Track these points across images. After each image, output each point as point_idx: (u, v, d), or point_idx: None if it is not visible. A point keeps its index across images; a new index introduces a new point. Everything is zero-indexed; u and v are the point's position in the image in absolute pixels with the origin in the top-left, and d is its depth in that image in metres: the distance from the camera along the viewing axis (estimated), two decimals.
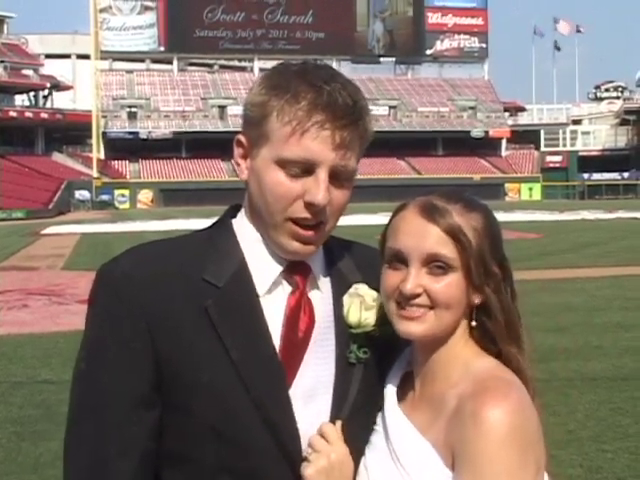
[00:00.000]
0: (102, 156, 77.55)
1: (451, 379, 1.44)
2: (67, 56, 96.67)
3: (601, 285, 15.11)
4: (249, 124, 1.44)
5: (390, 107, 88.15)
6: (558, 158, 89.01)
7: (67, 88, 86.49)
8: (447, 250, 1.40)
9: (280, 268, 1.47)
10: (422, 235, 1.41)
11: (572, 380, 7.93)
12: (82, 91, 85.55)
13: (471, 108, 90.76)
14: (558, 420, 6.36)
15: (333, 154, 1.38)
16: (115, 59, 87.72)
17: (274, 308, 1.45)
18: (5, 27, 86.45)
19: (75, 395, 1.43)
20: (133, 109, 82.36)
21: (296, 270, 1.48)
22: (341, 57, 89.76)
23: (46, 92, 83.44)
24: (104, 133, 78.66)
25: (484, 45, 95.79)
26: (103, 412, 1.38)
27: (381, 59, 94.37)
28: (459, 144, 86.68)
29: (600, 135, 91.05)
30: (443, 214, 1.41)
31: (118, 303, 1.40)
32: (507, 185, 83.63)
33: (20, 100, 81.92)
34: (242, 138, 1.46)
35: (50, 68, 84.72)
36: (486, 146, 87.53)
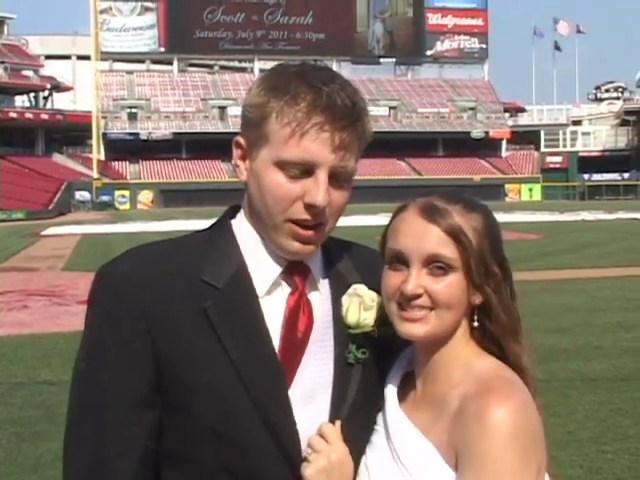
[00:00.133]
0: (102, 157, 77.59)
1: (452, 379, 1.44)
2: (67, 57, 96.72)
3: (601, 286, 15.11)
4: (248, 125, 1.44)
5: (390, 108, 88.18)
6: (558, 159, 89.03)
7: (67, 89, 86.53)
8: (448, 251, 1.40)
9: (279, 269, 1.47)
10: (423, 236, 1.41)
11: (572, 381, 7.93)
12: (82, 92, 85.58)
13: (471, 109, 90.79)
14: (558, 421, 6.36)
15: (332, 155, 1.38)
16: (115, 60, 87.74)
17: (273, 309, 1.45)
18: (5, 28, 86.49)
19: (75, 395, 1.43)
20: (133, 110, 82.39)
21: (295, 271, 1.48)
22: (341, 58, 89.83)
23: (46, 93, 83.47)
24: (104, 134, 78.69)
25: (484, 46, 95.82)
26: (103, 412, 1.38)
27: (381, 60, 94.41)
28: (459, 145, 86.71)
29: (600, 136, 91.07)
30: (444, 215, 1.41)
31: (118, 304, 1.40)
32: (507, 186, 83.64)
33: (20, 101, 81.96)
34: (241, 139, 1.46)
35: (50, 69, 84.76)
36: (486, 147, 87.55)
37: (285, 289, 1.48)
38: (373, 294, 1.50)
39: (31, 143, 79.76)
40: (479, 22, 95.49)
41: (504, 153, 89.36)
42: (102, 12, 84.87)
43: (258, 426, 1.38)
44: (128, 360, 1.39)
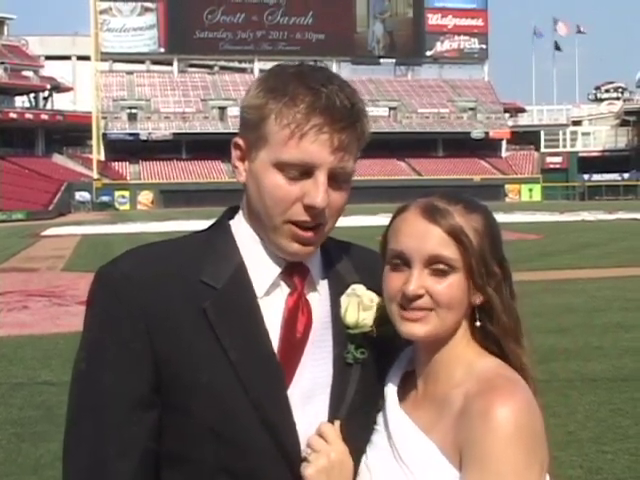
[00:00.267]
0: (102, 157, 77.58)
1: (454, 379, 1.45)
2: (67, 57, 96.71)
3: (601, 286, 15.11)
4: (247, 127, 1.44)
5: (390, 108, 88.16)
6: (558, 159, 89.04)
7: (67, 89, 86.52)
8: (449, 251, 1.41)
9: (278, 270, 1.48)
10: (424, 236, 1.42)
11: (572, 381, 7.93)
12: (82, 92, 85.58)
13: (471, 109, 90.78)
14: (558, 421, 6.36)
15: (332, 157, 1.39)
16: (115, 60, 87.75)
17: (272, 309, 1.46)
18: (5, 28, 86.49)
19: (74, 395, 1.43)
20: (133, 110, 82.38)
21: (294, 271, 1.49)
22: (341, 58, 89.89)
23: (46, 93, 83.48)
24: (104, 134, 78.69)
25: (484, 46, 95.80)
26: (103, 412, 1.38)
27: (381, 60, 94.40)
28: (459, 145, 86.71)
29: (600, 136, 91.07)
30: (444, 215, 1.42)
31: (118, 304, 1.40)
32: (507, 186, 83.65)
33: (20, 101, 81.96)
34: (240, 141, 1.47)
35: (50, 69, 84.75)
36: (486, 147, 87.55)
37: (284, 290, 1.48)
38: (372, 294, 1.50)
39: (31, 144, 79.76)
40: (479, 22, 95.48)
41: (504, 153, 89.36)
42: (102, 12, 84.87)
43: (257, 426, 1.38)
44: (128, 360, 1.39)
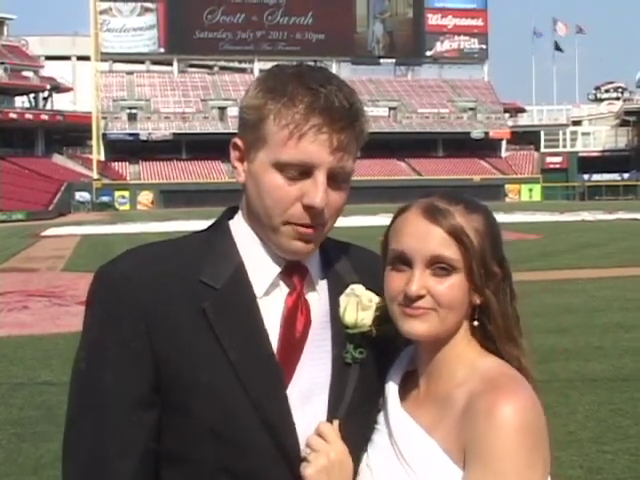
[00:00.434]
0: (102, 158, 77.58)
1: (456, 378, 1.45)
2: (67, 58, 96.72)
3: (601, 286, 15.12)
4: (246, 127, 1.45)
5: (390, 108, 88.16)
6: (558, 159, 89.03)
7: (67, 90, 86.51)
8: (450, 252, 1.41)
9: (278, 269, 1.48)
10: (425, 237, 1.42)
11: (572, 381, 7.93)
12: (82, 93, 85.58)
13: (471, 109, 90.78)
14: (558, 421, 6.35)
15: (331, 157, 1.39)
16: (115, 61, 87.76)
17: (272, 309, 1.46)
18: (5, 29, 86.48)
19: (74, 395, 1.43)
20: (133, 110, 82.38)
21: (293, 271, 1.49)
22: (341, 58, 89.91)
23: (46, 94, 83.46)
24: (104, 134, 78.69)
25: (484, 46, 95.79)
26: (103, 412, 1.38)
27: (381, 60, 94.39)
28: (459, 145, 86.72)
29: (600, 136, 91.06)
30: (445, 215, 1.42)
31: (117, 304, 1.41)
32: (507, 186, 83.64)
33: (20, 102, 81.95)
34: (239, 141, 1.47)
35: (50, 70, 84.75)
36: (486, 147, 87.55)
37: (283, 289, 1.49)
38: (371, 294, 1.51)
39: (31, 144, 79.75)
40: (479, 22, 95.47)
41: (504, 153, 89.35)
42: (102, 13, 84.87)
43: (257, 426, 1.39)
44: (128, 360, 1.39)
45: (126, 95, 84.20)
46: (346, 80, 1.48)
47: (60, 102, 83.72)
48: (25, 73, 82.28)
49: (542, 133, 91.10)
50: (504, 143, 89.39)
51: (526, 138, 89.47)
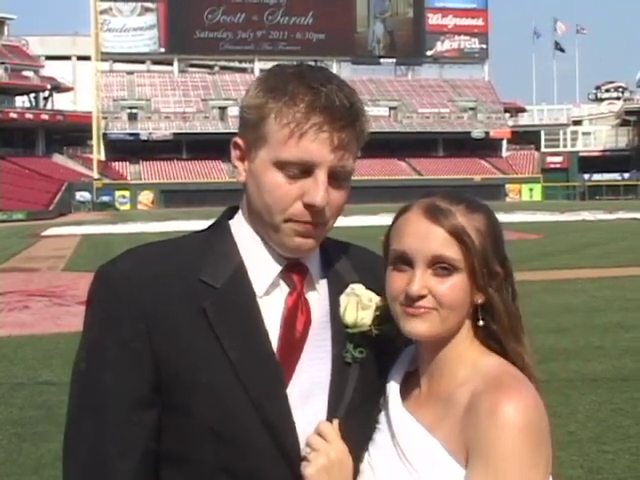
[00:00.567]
0: (103, 157, 77.59)
1: (459, 377, 1.45)
2: (67, 57, 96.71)
3: (601, 286, 15.12)
4: (246, 126, 1.45)
5: (390, 108, 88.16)
6: (558, 159, 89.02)
7: (67, 89, 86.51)
8: (452, 252, 1.41)
9: (278, 269, 1.48)
10: (426, 237, 1.42)
11: (572, 381, 7.93)
12: (82, 92, 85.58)
13: (471, 109, 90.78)
14: (559, 421, 6.35)
15: (332, 155, 1.39)
16: (115, 60, 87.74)
17: (272, 309, 1.46)
18: (5, 29, 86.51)
19: (75, 395, 1.43)
20: (134, 110, 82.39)
21: (294, 271, 1.49)
22: (341, 58, 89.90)
23: (46, 93, 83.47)
24: (104, 134, 78.70)
25: (484, 46, 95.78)
26: (103, 412, 1.39)
27: (381, 60, 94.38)
28: (459, 145, 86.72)
29: (600, 136, 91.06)
30: (447, 215, 1.42)
31: (117, 304, 1.41)
32: (508, 186, 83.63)
33: (20, 101, 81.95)
34: (239, 140, 1.47)
35: (50, 69, 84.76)
36: (486, 147, 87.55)
37: (284, 289, 1.49)
38: (371, 294, 1.51)
39: (31, 144, 79.75)
40: (479, 22, 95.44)
41: (504, 153, 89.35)
42: (102, 12, 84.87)
43: (257, 426, 1.39)
44: (128, 360, 1.39)
45: (126, 95, 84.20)
46: (346, 80, 1.48)
47: (60, 102, 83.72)
48: (25, 73, 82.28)
49: (542, 133, 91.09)
50: (504, 143, 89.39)
51: (526, 138, 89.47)
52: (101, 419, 1.38)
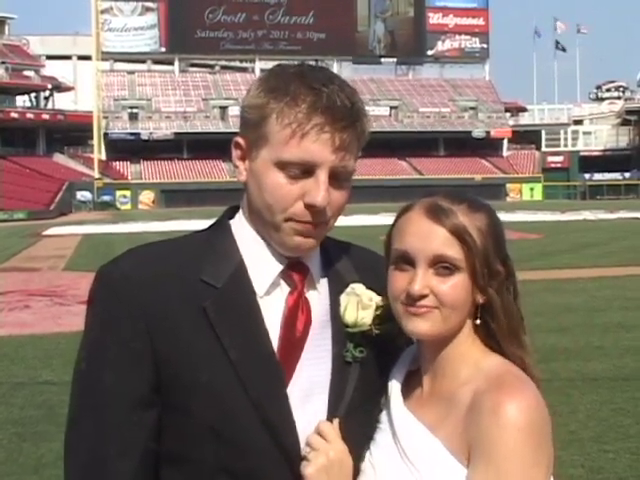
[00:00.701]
0: (103, 157, 77.63)
1: (461, 377, 1.45)
2: (68, 57, 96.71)
3: (602, 285, 15.11)
4: (247, 126, 1.45)
5: (391, 107, 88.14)
6: (559, 158, 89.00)
7: (68, 89, 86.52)
8: (453, 251, 1.41)
9: (279, 268, 1.48)
10: (428, 236, 1.43)
11: (573, 380, 7.93)
12: (83, 92, 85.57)
13: (472, 108, 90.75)
14: (559, 420, 6.35)
15: (333, 156, 1.40)
16: (116, 60, 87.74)
17: (272, 308, 1.46)
18: (6, 28, 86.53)
19: (75, 395, 1.44)
20: (134, 110, 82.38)
21: (294, 270, 1.49)
22: (342, 58, 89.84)
23: (47, 93, 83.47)
24: (105, 134, 78.70)
25: (485, 45, 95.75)
26: (103, 412, 1.39)
27: (382, 60, 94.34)
28: (460, 144, 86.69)
29: (601, 135, 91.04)
30: (448, 215, 1.43)
31: (118, 304, 1.41)
32: (508, 185, 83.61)
33: (21, 101, 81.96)
34: (240, 140, 1.47)
35: (51, 69, 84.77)
36: (487, 146, 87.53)
37: (284, 289, 1.49)
38: (371, 293, 1.51)
39: (32, 143, 79.76)
40: (480, 22, 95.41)
41: (505, 153, 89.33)
42: (103, 12, 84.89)
43: (257, 425, 1.39)
44: (128, 360, 1.39)
45: (127, 94, 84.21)
46: (347, 79, 1.48)
47: (61, 101, 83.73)
48: (26, 72, 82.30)
49: (543, 132, 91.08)
50: (505, 142, 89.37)
51: (527, 137, 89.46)
52: (101, 419, 1.39)
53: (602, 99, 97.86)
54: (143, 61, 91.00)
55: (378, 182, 74.32)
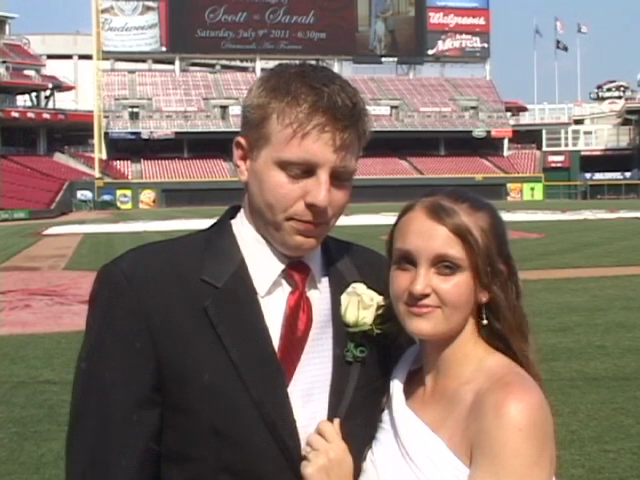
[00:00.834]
0: (104, 156, 77.67)
1: (464, 376, 1.46)
2: (69, 56, 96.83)
3: (603, 285, 15.10)
4: (249, 126, 1.45)
5: (392, 107, 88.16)
6: (560, 158, 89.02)
7: (69, 88, 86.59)
8: (455, 250, 1.41)
9: (280, 268, 1.48)
10: (430, 236, 1.42)
11: (574, 380, 7.92)
12: (84, 91, 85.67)
13: (473, 108, 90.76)
14: (560, 420, 6.35)
15: (334, 156, 1.39)
16: (117, 59, 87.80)
17: (273, 308, 1.46)
18: (7, 27, 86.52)
19: (77, 394, 1.44)
20: (135, 109, 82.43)
21: (295, 270, 1.49)
22: (343, 57, 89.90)
23: (48, 92, 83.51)
24: (106, 133, 78.75)
25: (486, 45, 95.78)
26: (105, 412, 1.39)
27: (383, 59, 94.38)
28: (461, 144, 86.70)
29: (602, 135, 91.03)
30: (450, 214, 1.43)
31: (119, 303, 1.41)
32: (509, 185, 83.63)
33: (22, 100, 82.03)
34: (241, 140, 1.47)
35: (52, 68, 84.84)
36: (488, 146, 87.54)
37: (285, 288, 1.49)
38: (372, 293, 1.51)
39: (33, 142, 79.83)
40: (481, 21, 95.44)
41: (506, 152, 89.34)
42: (104, 11, 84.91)
43: (258, 425, 1.39)
44: (129, 359, 1.39)
45: (128, 94, 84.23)
46: (348, 79, 1.48)
47: (62, 101, 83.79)
48: (27, 72, 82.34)
49: (544, 132, 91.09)
50: (506, 142, 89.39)
51: (528, 137, 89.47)
52: (102, 418, 1.39)
53: (603, 99, 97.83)
54: (144, 60, 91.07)
55: (379, 182, 74.33)
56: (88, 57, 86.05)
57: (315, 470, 1.39)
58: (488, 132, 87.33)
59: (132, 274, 1.43)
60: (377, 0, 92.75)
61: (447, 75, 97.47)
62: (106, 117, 79.81)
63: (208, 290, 1.42)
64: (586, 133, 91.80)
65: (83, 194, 73.32)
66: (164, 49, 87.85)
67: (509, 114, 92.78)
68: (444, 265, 1.42)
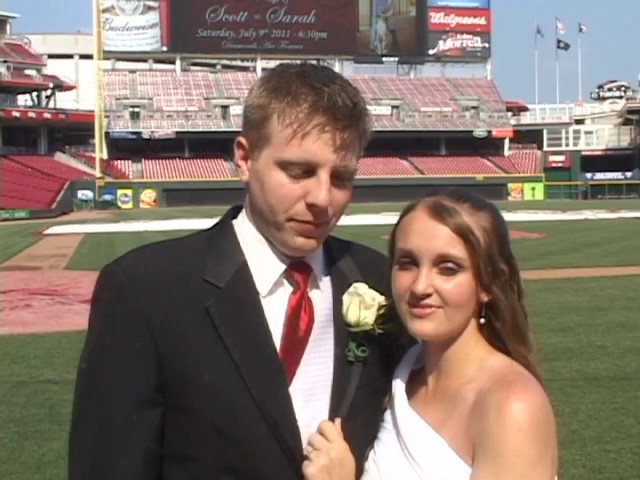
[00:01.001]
0: (105, 156, 77.69)
1: (466, 375, 1.46)
2: (70, 56, 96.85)
3: (603, 285, 15.10)
4: (249, 126, 1.45)
5: (393, 107, 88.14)
6: (561, 158, 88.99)
7: (70, 88, 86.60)
8: (457, 250, 1.41)
9: (282, 268, 1.48)
10: (432, 235, 1.43)
11: (575, 380, 7.92)
12: (85, 91, 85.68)
13: (474, 108, 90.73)
14: (561, 420, 6.29)
15: (334, 156, 1.40)
16: (118, 59, 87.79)
17: (275, 308, 1.46)
18: (8, 27, 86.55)
19: (79, 394, 1.44)
20: (136, 109, 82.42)
21: (297, 270, 1.49)
22: (343, 57, 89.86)
23: (49, 92, 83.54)
24: (107, 133, 78.75)
25: (487, 45, 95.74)
26: (106, 412, 1.39)
27: (384, 59, 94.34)
28: (462, 144, 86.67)
29: (603, 135, 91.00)
30: (452, 214, 1.43)
31: (121, 304, 1.41)
32: (510, 185, 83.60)
33: (23, 100, 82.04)
34: (242, 140, 1.47)
35: (53, 68, 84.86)
36: (489, 146, 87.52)
37: (287, 288, 1.49)
38: (374, 293, 1.51)
39: (34, 142, 79.83)
40: (482, 21, 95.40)
41: (507, 152, 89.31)
42: (105, 11, 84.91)
43: (260, 425, 1.39)
44: (131, 360, 1.39)
45: (129, 93, 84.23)
46: (348, 79, 1.48)
47: (63, 100, 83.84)
48: (28, 71, 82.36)
49: (545, 132, 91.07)
50: (507, 142, 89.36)
51: (529, 137, 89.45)
52: (104, 419, 1.39)
53: (604, 98, 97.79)
54: (145, 60, 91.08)
55: (380, 181, 74.33)
56: (89, 57, 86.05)
57: (317, 470, 1.39)
58: (489, 132, 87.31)
59: (133, 274, 1.43)
60: (378, 0, 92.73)
61: (448, 75, 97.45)
62: (107, 117, 79.82)
63: (210, 290, 1.42)
64: (587, 133, 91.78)
65: (84, 194, 73.32)
66: (165, 49, 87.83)
67: (510, 114, 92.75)
68: (446, 265, 1.42)
